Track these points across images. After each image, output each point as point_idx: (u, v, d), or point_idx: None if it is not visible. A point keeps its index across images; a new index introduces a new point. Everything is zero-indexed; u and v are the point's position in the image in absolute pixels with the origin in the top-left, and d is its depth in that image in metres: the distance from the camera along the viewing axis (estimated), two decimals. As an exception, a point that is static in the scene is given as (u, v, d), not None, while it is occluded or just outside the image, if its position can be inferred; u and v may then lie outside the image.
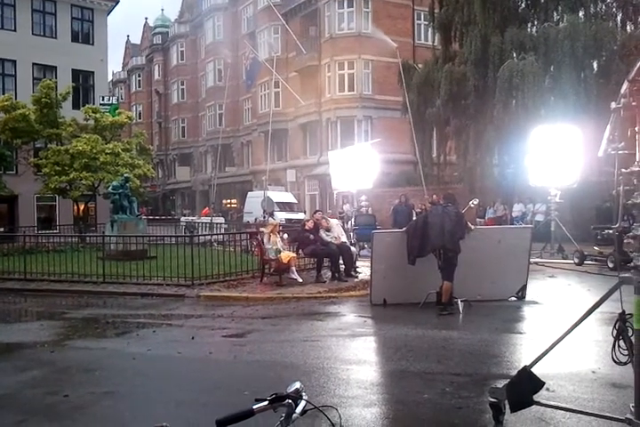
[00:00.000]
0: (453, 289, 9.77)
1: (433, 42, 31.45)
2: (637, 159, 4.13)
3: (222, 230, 25.77)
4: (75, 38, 31.13)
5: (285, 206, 33.59)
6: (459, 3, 25.66)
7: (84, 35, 31.71)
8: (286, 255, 13.30)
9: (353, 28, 37.85)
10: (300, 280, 13.28)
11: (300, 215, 33.70)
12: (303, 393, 2.15)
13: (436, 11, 28.22)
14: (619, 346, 4.34)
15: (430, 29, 32.09)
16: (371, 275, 10.99)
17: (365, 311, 10.54)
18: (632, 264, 4.12)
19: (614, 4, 25.07)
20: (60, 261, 14.52)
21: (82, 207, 26.01)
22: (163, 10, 77.45)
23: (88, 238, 19.21)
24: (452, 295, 9.80)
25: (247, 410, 2.02)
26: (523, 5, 26.37)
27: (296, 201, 36.76)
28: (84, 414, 5.53)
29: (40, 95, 23.20)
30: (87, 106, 25.83)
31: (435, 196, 19.18)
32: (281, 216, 28.66)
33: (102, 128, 24.41)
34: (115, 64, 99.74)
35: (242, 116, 52.82)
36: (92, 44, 31.72)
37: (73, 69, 30.01)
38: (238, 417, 2.00)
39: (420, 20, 38.26)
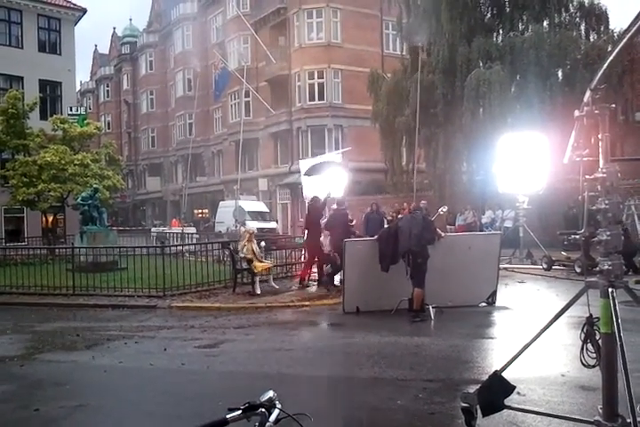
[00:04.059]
0: (425, 296, 9.86)
1: (401, 51, 31.72)
2: (601, 166, 4.22)
3: (194, 240, 25.59)
4: (42, 48, 30.69)
5: (257, 216, 33.53)
6: (426, 13, 25.96)
7: (51, 45, 31.30)
8: (260, 265, 13.30)
9: (322, 37, 38.04)
10: (277, 287, 13.35)
11: (272, 224, 33.64)
12: (276, 402, 2.16)
13: (404, 20, 28.51)
14: (587, 349, 4.41)
15: (398, 39, 32.40)
16: (343, 283, 11.02)
17: (338, 319, 10.56)
18: (598, 269, 4.19)
19: (578, 14, 25.59)
20: (28, 274, 14.32)
21: (50, 219, 25.61)
22: (131, 19, 77.20)
23: (57, 250, 18.96)
24: (423, 302, 9.89)
25: (221, 420, 2.02)
26: (488, 15, 26.80)
27: (268, 210, 36.71)
28: (55, 429, 5.46)
29: (7, 106, 22.84)
30: (55, 116, 25.49)
31: (405, 204, 19.26)
32: (253, 225, 28.54)
33: (71, 139, 24.11)
34: (82, 74, 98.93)
35: (212, 126, 52.64)
36: (60, 53, 31.33)
37: (40, 80, 29.60)
38: (211, 427, 2.00)
39: (387, 29, 38.56)
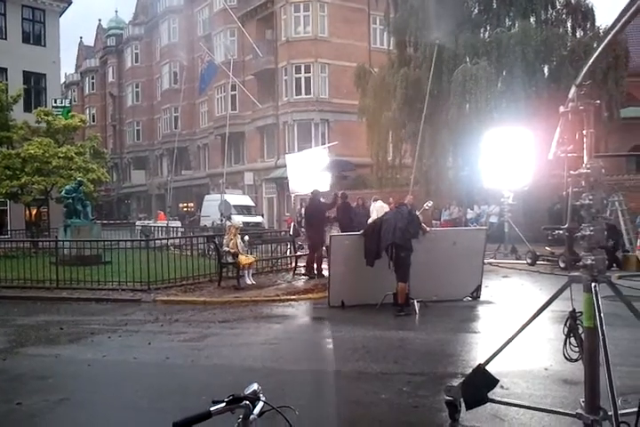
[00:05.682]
0: (410, 290, 9.90)
1: (388, 46, 31.71)
2: (585, 162, 4.25)
3: (179, 234, 25.50)
4: (26, 40, 30.33)
5: (243, 210, 33.47)
6: (413, 8, 25.93)
7: (36, 36, 30.94)
8: (245, 259, 13.29)
9: (309, 31, 37.96)
10: (252, 283, 13.28)
11: (258, 218, 33.61)
12: (261, 395, 2.16)
13: (392, 15, 28.48)
14: (570, 343, 4.45)
15: (386, 33, 32.38)
16: (328, 277, 11.04)
17: (323, 313, 10.57)
18: (581, 263, 4.23)
19: (564, 11, 25.68)
20: (11, 267, 14.20)
21: (34, 212, 25.43)
22: (117, 11, 76.31)
23: (41, 243, 18.82)
24: (408, 296, 9.92)
25: (204, 412, 2.02)
26: (476, 11, 26.81)
27: (254, 204, 36.66)
28: (38, 423, 5.42)
29: (-10, 98, 22.63)
30: (39, 108, 25.27)
31: (391, 199, 19.30)
32: (238, 219, 28.48)
33: (55, 131, 23.92)
34: (67, 66, 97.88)
35: (198, 119, 52.44)
36: (44, 45, 31.00)
37: (24, 71, 29.27)
38: (195, 419, 2.00)
39: (375, 24, 38.57)
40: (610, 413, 3.81)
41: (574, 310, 4.35)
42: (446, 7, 24.15)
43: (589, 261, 4.13)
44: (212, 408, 2.04)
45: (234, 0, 43.83)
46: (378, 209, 11.02)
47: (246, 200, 36.09)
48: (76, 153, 23.48)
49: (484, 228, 15.08)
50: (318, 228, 14.04)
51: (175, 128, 49.07)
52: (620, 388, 3.84)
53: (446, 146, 25.26)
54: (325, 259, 13.84)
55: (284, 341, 8.61)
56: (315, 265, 14.33)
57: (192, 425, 1.99)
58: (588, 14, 25.09)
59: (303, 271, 14.92)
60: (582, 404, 4.15)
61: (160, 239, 20.09)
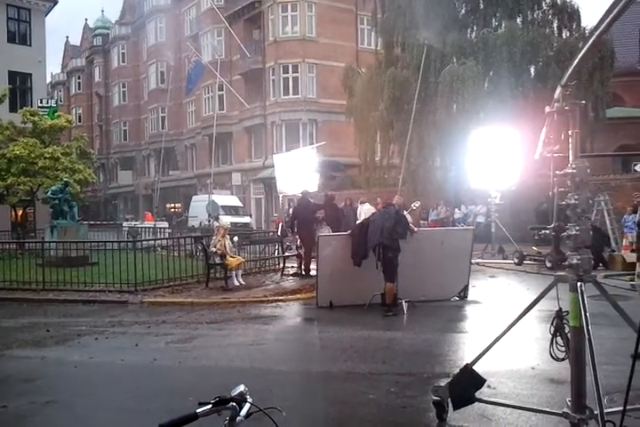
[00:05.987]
0: (398, 290, 9.91)
1: (376, 46, 31.75)
2: (570, 162, 4.27)
3: (166, 235, 25.39)
4: (11, 39, 30.05)
5: (231, 210, 33.39)
6: (401, 8, 25.99)
7: (21, 35, 30.68)
8: (235, 260, 13.24)
9: (297, 31, 37.96)
10: (243, 283, 13.25)
11: (246, 219, 33.54)
12: (248, 396, 2.14)
13: (379, 16, 28.53)
14: (556, 343, 4.47)
15: (373, 34, 32.43)
16: (317, 277, 11.03)
17: (312, 314, 10.57)
18: (567, 263, 4.24)
19: (550, 12, 25.84)
20: (-3, 269, 14.09)
21: (20, 213, 25.26)
22: (103, 11, 75.33)
23: (27, 245, 18.67)
24: (396, 296, 9.94)
25: (191, 414, 2.00)
26: (463, 11, 26.92)
27: (241, 205, 36.58)
28: (26, 425, 5.40)
29: (-25, 98, 22.44)
30: (25, 109, 25.04)
31: (378, 199, 19.34)
32: (226, 220, 28.39)
33: (41, 132, 23.73)
34: (54, 66, 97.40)
35: (185, 119, 52.25)
36: (30, 44, 30.74)
37: (9, 71, 29.01)
38: (181, 421, 1.98)
39: (363, 24, 38.57)
40: (596, 412, 3.83)
41: (561, 309, 4.37)
42: (434, 8, 24.27)
43: (575, 261, 4.15)
44: (198, 410, 2.02)
45: (221, 0, 43.74)
46: (365, 212, 11.04)
47: (234, 201, 36.00)
48: (62, 153, 23.31)
49: (472, 228, 15.13)
50: (308, 228, 14.04)
51: (162, 128, 48.86)
52: (605, 387, 3.86)
53: (434, 146, 25.34)
54: (314, 259, 13.88)
55: (272, 341, 8.60)
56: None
57: (178, 427, 1.97)
58: (574, 15, 25.27)
59: (292, 272, 14.92)
60: (569, 403, 4.17)
61: (147, 240, 20.00)
